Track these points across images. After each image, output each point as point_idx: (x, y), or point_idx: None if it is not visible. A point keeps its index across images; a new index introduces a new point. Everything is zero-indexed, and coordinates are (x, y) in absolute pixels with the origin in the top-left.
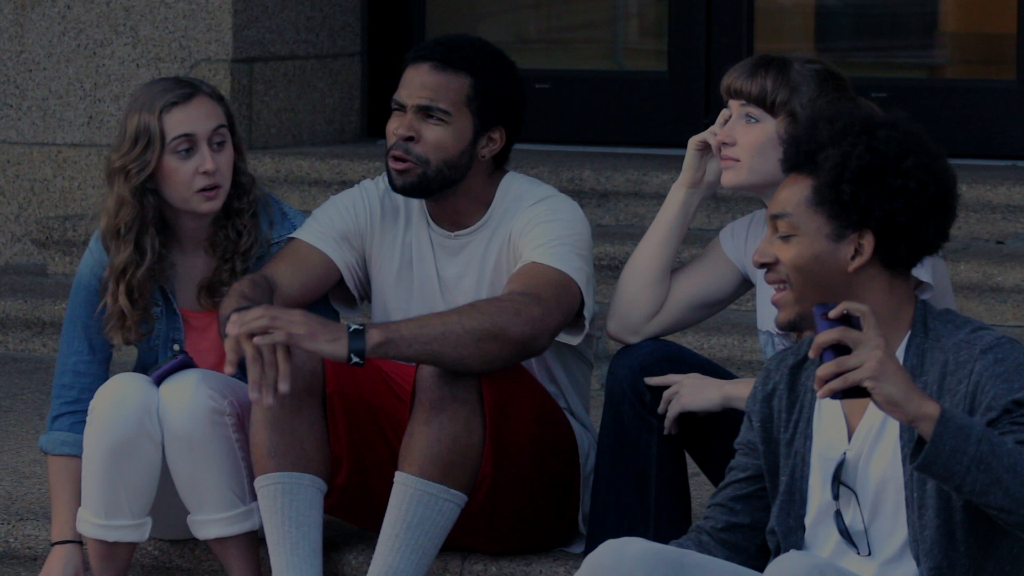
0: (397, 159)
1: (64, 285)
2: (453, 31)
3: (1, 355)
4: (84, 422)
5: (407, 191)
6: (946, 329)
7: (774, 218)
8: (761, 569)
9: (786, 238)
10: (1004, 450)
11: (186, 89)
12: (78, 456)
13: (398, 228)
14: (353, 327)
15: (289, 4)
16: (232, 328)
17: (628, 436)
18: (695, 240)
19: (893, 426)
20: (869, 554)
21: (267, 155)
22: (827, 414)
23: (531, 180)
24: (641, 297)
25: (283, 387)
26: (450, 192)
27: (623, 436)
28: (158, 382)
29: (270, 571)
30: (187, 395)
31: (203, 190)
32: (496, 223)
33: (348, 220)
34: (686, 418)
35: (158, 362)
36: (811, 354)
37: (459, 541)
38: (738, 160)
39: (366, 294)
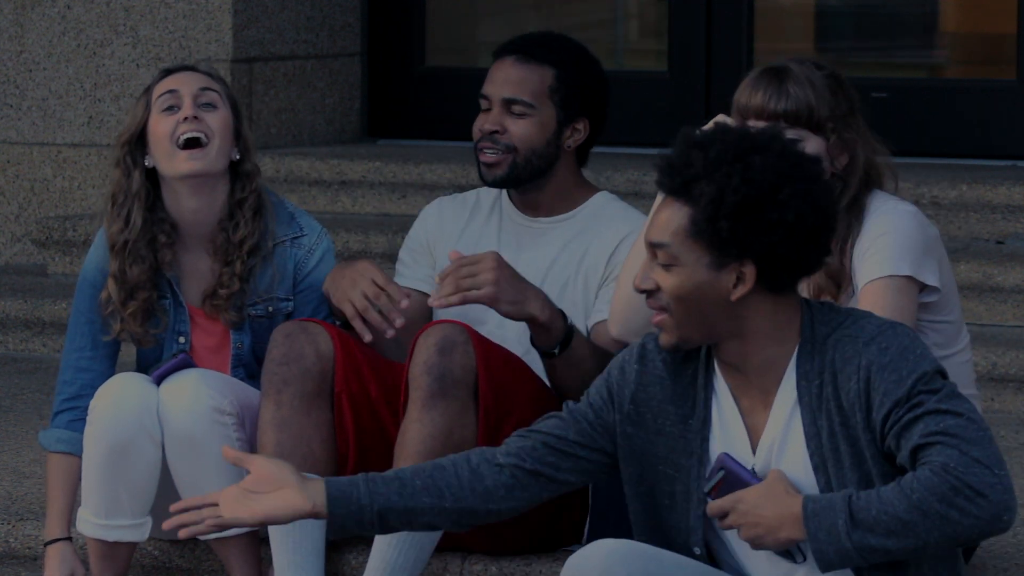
0: (486, 152)
1: (64, 285)
2: (453, 31)
3: (1, 355)
4: (84, 420)
5: (499, 183)
6: (829, 327)
7: (652, 245)
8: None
9: (666, 267)
10: (881, 505)
11: (186, 64)
12: (74, 455)
13: (460, 221)
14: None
15: (289, 4)
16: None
17: None
18: None
19: (796, 433)
20: (804, 559)
21: (267, 155)
22: (728, 420)
23: (628, 205)
24: (642, 299)
25: (402, 308)
26: (539, 182)
27: None
28: (158, 381)
29: (271, 570)
30: (187, 395)
31: (186, 147)
32: (579, 227)
33: (420, 233)
34: None
35: (163, 353)
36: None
37: (459, 541)
38: None
39: None
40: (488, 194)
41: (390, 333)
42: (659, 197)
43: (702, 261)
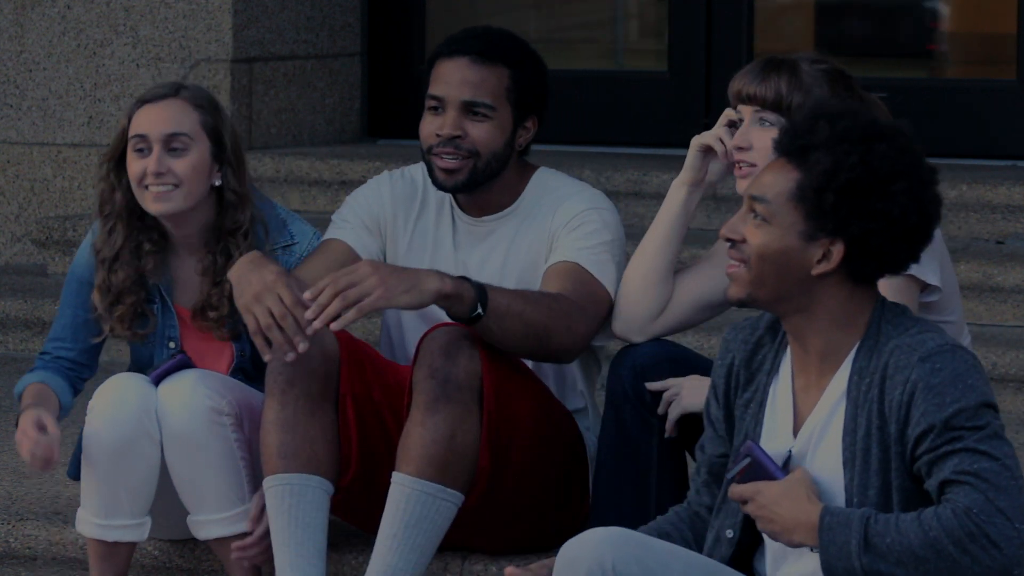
0: (445, 158)
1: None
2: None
3: (1, 355)
4: (47, 369)
5: (458, 189)
6: (895, 331)
7: (753, 199)
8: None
9: (759, 222)
10: (892, 536)
11: (166, 90)
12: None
13: (412, 212)
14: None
15: (289, 4)
16: (316, 322)
17: (629, 437)
18: (695, 240)
19: (837, 425)
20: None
21: (267, 155)
22: (780, 401)
23: (569, 177)
24: (646, 296)
25: (302, 347)
26: (490, 183)
27: (623, 436)
28: (156, 382)
29: (272, 571)
30: (186, 395)
31: (150, 187)
32: (525, 212)
33: (363, 211)
34: (687, 419)
35: (153, 360)
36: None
37: (459, 540)
38: (755, 165)
39: None
40: (434, 188)
41: (290, 357)
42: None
43: (796, 227)
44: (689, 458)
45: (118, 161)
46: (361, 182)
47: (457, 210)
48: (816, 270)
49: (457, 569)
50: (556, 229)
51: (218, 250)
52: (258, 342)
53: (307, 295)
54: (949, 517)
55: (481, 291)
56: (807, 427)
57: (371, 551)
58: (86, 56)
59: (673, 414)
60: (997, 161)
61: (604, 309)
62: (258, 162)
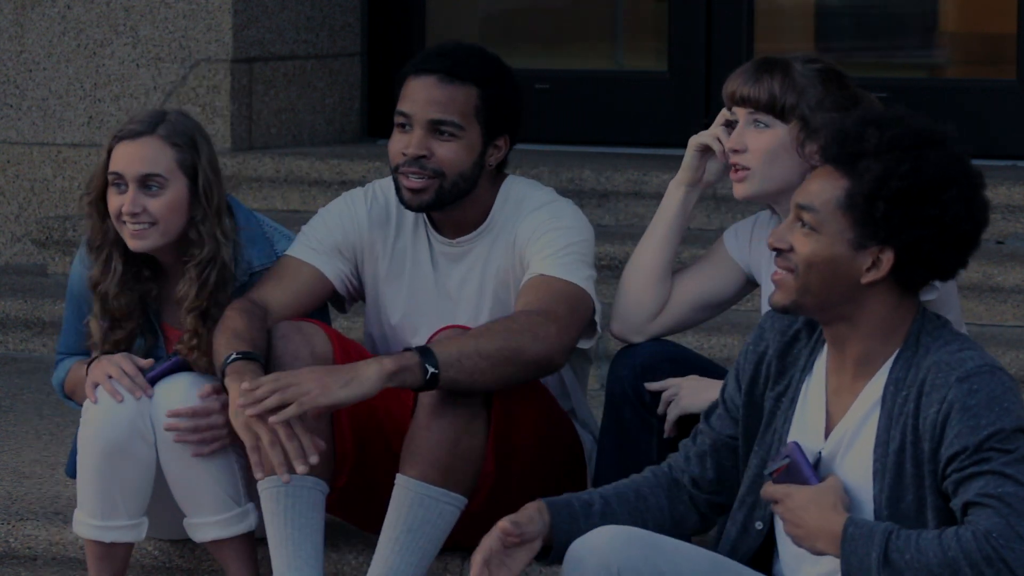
0: (411, 178)
1: (64, 285)
2: (453, 31)
3: (1, 355)
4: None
5: (424, 208)
6: (935, 345)
7: (800, 207)
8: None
9: (807, 231)
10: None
11: (143, 127)
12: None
13: (388, 235)
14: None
15: (289, 4)
16: (247, 409)
17: (628, 436)
18: (695, 240)
19: (868, 433)
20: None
21: (267, 155)
22: (812, 401)
23: (531, 183)
24: (644, 296)
25: (312, 460)
26: (460, 202)
27: (623, 436)
28: (152, 383)
29: (270, 572)
30: (180, 397)
31: (126, 224)
32: (498, 228)
33: (337, 233)
34: (686, 419)
35: (153, 365)
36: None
37: (459, 540)
38: (748, 169)
39: (361, 298)
40: (404, 210)
41: (285, 478)
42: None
43: (845, 235)
44: None
45: (101, 195)
46: (361, 182)
47: (432, 231)
48: (865, 278)
49: (457, 569)
50: (521, 247)
51: (195, 275)
52: (253, 459)
53: (244, 386)
54: (969, 539)
55: (425, 352)
56: (838, 431)
57: (371, 551)
58: (86, 56)
59: (672, 414)
60: (997, 161)
61: (579, 305)
62: (258, 162)
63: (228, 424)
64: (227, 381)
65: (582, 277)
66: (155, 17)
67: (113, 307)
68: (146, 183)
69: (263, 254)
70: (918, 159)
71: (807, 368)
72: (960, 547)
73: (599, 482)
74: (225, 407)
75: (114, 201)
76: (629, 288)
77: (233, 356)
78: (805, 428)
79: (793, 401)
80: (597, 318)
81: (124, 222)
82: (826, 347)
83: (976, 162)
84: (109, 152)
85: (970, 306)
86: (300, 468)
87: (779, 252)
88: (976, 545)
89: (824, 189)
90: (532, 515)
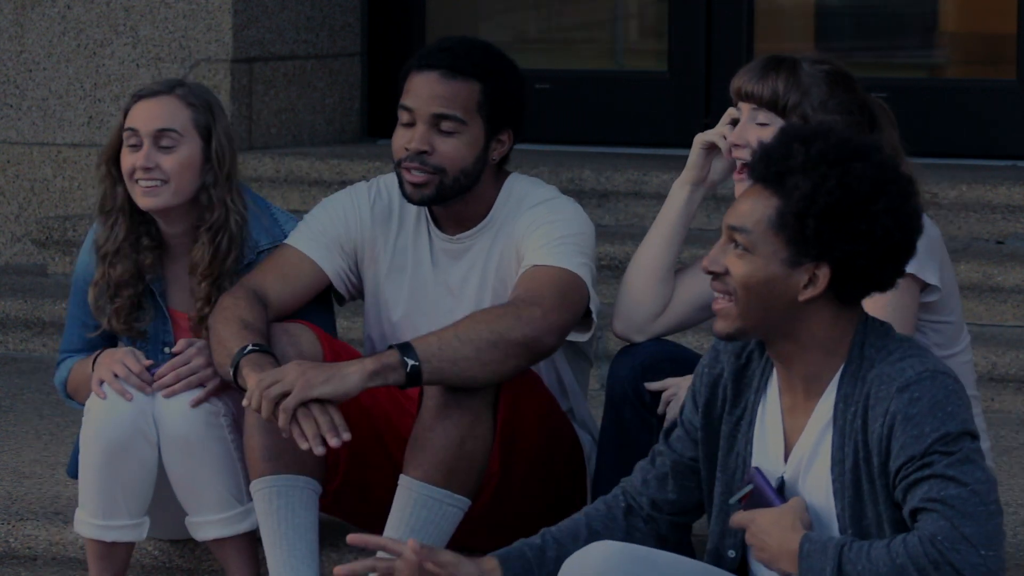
0: (413, 172)
1: (64, 285)
2: (453, 31)
3: (1, 355)
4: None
5: (426, 202)
6: (878, 356)
7: (732, 229)
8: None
9: (740, 252)
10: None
11: (162, 87)
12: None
13: (390, 232)
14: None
15: (289, 4)
16: (262, 409)
17: (628, 436)
18: (695, 240)
19: (824, 452)
20: None
21: (267, 155)
22: (770, 423)
23: (533, 181)
24: (646, 295)
25: (340, 439)
26: (463, 196)
27: (623, 436)
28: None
29: (268, 573)
30: (182, 396)
31: (139, 181)
32: (499, 224)
33: (339, 226)
34: None
35: (154, 363)
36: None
37: (459, 540)
38: None
39: (359, 295)
40: (407, 205)
41: (320, 450)
42: (742, 185)
43: (779, 255)
44: None
45: (116, 157)
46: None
47: (433, 227)
48: (803, 295)
49: None
50: (519, 242)
51: (208, 240)
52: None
53: (244, 403)
54: (915, 545)
55: (405, 347)
56: (796, 452)
57: (371, 551)
58: (86, 56)
59: (672, 414)
60: (997, 161)
61: (568, 289)
62: (258, 162)
63: (211, 364)
64: (245, 372)
65: (575, 263)
66: (155, 17)
67: (111, 275)
68: (160, 140)
69: (270, 234)
70: (844, 173)
71: (761, 388)
72: (907, 553)
73: (599, 482)
74: (200, 350)
75: (128, 159)
76: (631, 287)
77: (250, 347)
78: (766, 451)
79: (751, 424)
80: (592, 307)
81: (137, 180)
82: (775, 368)
83: (976, 162)
84: (125, 114)
85: (970, 306)
86: (333, 442)
87: (715, 276)
88: (923, 549)
89: (755, 209)
90: (470, 564)
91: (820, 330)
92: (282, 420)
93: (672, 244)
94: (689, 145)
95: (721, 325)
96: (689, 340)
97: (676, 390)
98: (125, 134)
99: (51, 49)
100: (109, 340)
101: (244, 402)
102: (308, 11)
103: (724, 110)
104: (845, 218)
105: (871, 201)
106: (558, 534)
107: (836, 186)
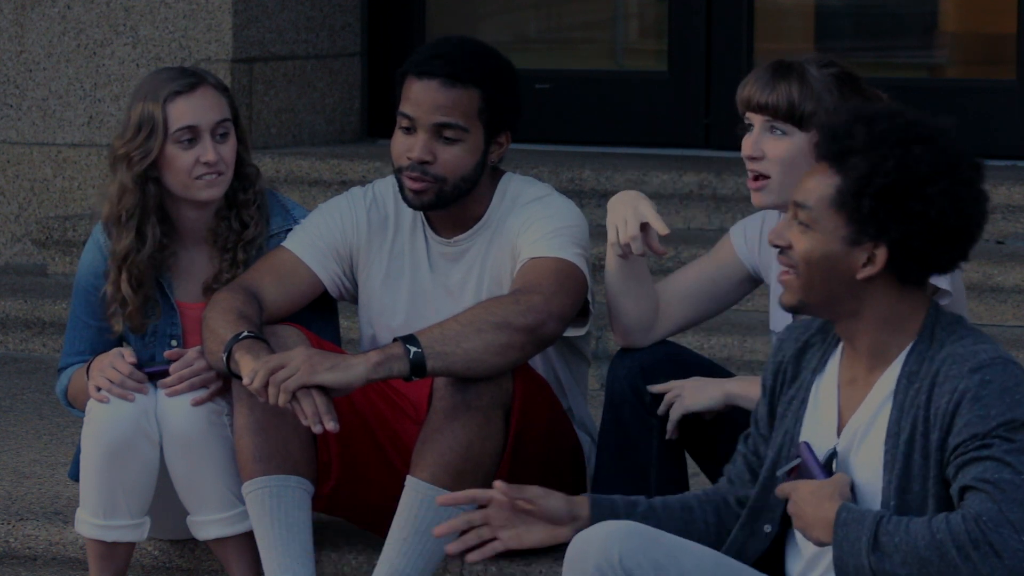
0: (414, 180)
1: (64, 285)
2: (453, 31)
3: (1, 355)
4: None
5: (426, 208)
6: (949, 339)
7: (796, 205)
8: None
9: (803, 228)
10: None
11: (191, 79)
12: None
13: (386, 238)
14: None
15: (289, 4)
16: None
17: (628, 437)
18: (695, 240)
19: (880, 426)
20: None
21: (267, 155)
22: (824, 399)
23: (527, 180)
24: (633, 309)
25: (328, 426)
26: (462, 200)
27: (623, 437)
28: (152, 377)
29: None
30: (185, 395)
31: (203, 176)
32: (495, 224)
33: (336, 232)
34: (688, 419)
35: (155, 359)
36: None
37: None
38: (768, 177)
39: (353, 300)
40: (404, 207)
41: (318, 429)
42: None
43: (839, 232)
44: (689, 458)
45: (154, 161)
46: (361, 182)
47: (429, 231)
48: (861, 274)
49: (457, 569)
50: (514, 240)
51: (232, 216)
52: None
53: (244, 381)
54: (958, 522)
55: (408, 338)
56: (851, 425)
57: (371, 551)
58: (86, 56)
59: (675, 415)
60: (997, 161)
61: (567, 278)
62: (258, 162)
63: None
64: (238, 356)
65: (571, 253)
66: (155, 17)
67: (132, 273)
68: (217, 131)
69: (280, 220)
70: (904, 155)
71: (819, 368)
72: (949, 530)
73: (598, 483)
74: (200, 354)
75: (185, 157)
76: (612, 304)
77: (244, 334)
78: (816, 427)
79: (804, 402)
80: (589, 296)
81: (198, 177)
82: (840, 346)
83: None
84: (164, 114)
85: (970, 306)
86: (329, 425)
87: (780, 249)
88: (965, 527)
89: (817, 186)
90: (560, 498)
91: (884, 308)
92: (282, 399)
93: (630, 278)
94: (689, 145)
95: (786, 297)
96: (689, 340)
97: (679, 391)
98: (176, 133)
99: (51, 49)
100: (118, 340)
101: (245, 380)
102: (308, 11)
103: (724, 110)
104: (900, 199)
105: (928, 183)
106: (654, 500)
107: (894, 167)
